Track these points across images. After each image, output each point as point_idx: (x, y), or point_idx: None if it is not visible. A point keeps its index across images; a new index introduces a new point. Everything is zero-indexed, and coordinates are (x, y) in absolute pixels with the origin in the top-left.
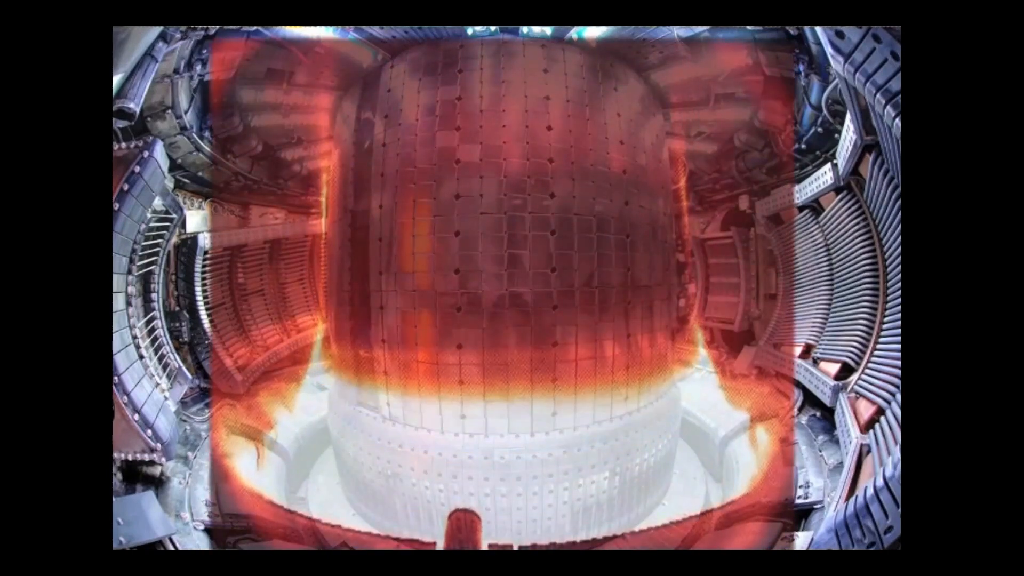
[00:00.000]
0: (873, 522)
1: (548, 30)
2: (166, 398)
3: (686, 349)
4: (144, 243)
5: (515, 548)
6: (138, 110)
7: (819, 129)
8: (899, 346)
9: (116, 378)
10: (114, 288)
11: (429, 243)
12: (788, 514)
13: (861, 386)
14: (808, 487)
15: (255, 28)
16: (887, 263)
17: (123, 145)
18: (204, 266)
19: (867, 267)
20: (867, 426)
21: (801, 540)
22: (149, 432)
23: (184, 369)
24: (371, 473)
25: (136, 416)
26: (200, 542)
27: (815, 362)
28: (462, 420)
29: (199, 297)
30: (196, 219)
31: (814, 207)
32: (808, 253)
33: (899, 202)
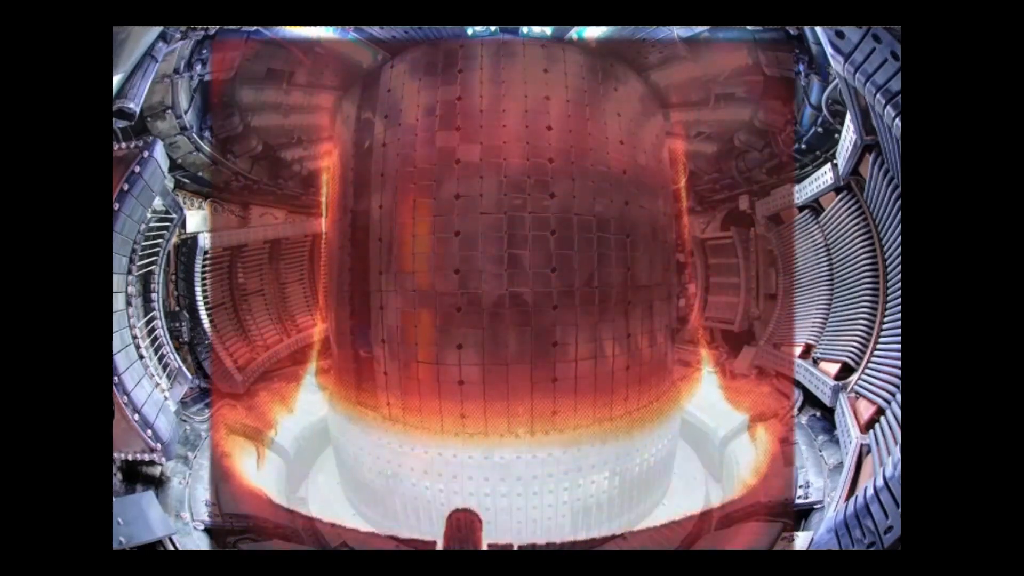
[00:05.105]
0: (873, 522)
1: (548, 30)
2: (166, 398)
3: (686, 349)
4: (144, 243)
5: (515, 548)
6: (138, 110)
7: (819, 129)
8: (899, 346)
9: (116, 378)
10: (114, 288)
11: (429, 243)
12: (788, 514)
13: (861, 386)
14: (808, 487)
15: (255, 28)
16: (887, 263)
17: (123, 145)
18: (204, 266)
19: (867, 267)
20: (867, 426)
21: (801, 540)
22: (149, 432)
23: (184, 369)
24: (371, 473)
25: (136, 416)
26: (200, 542)
27: (815, 362)
28: (462, 420)
29: (199, 297)
30: (196, 219)
31: (814, 207)
32: (808, 253)
33: (899, 202)
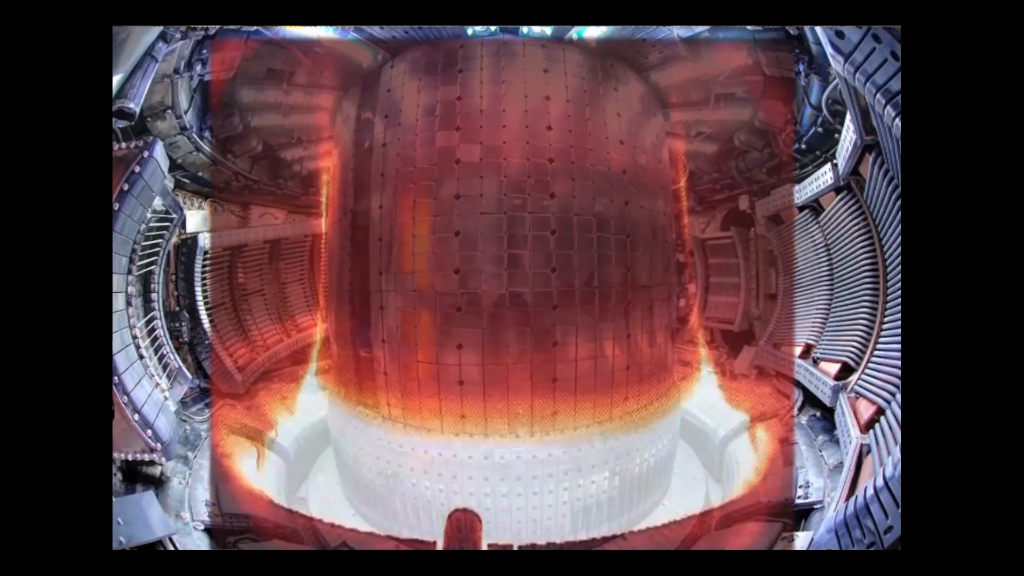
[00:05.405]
0: (873, 522)
1: (548, 30)
2: (166, 398)
3: (686, 349)
4: (144, 243)
5: (515, 548)
6: (138, 110)
7: (819, 129)
8: (899, 346)
9: (116, 378)
10: (114, 288)
11: (429, 243)
12: (788, 514)
13: (861, 386)
14: (808, 487)
15: (255, 28)
16: (887, 263)
17: (123, 145)
18: (204, 266)
19: (867, 267)
20: (867, 426)
21: (801, 540)
22: (149, 432)
23: (184, 369)
24: (371, 473)
25: (136, 416)
26: (200, 542)
27: (815, 362)
28: (462, 420)
29: (199, 297)
30: (196, 219)
31: (814, 207)
32: (808, 253)
33: (899, 202)
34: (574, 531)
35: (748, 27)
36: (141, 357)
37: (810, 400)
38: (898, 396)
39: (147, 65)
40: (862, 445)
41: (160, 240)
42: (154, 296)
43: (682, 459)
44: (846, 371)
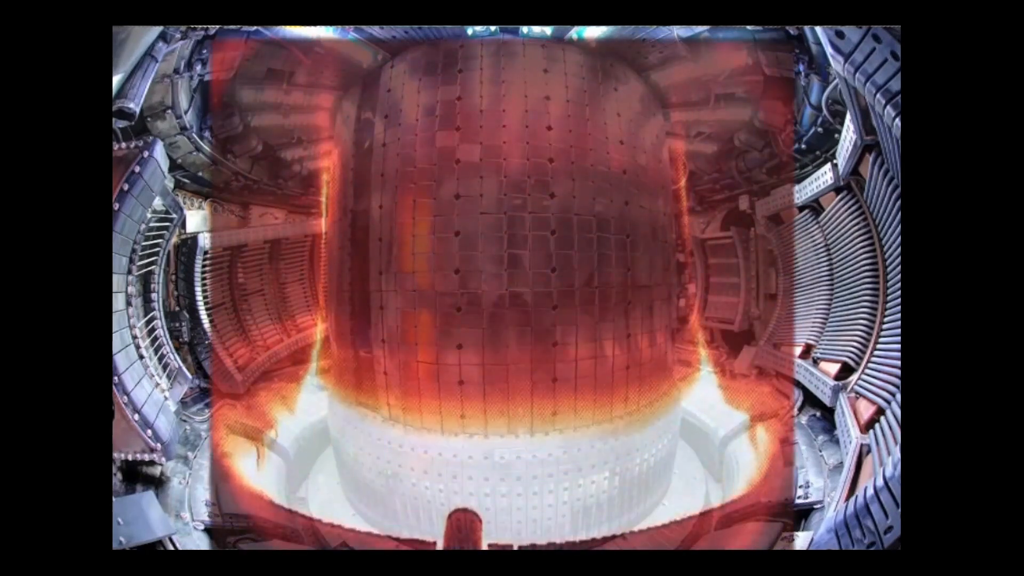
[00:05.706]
0: (873, 522)
1: (548, 30)
2: (166, 398)
3: (686, 349)
4: (144, 243)
5: (515, 548)
6: (138, 110)
7: (819, 129)
8: (899, 346)
9: (116, 378)
10: (114, 288)
11: (429, 243)
12: (788, 514)
13: (861, 386)
14: (808, 487)
15: (255, 28)
16: (887, 263)
17: (123, 145)
18: (204, 266)
19: (867, 267)
20: (867, 426)
21: (801, 540)
22: (149, 432)
23: (184, 369)
24: (371, 473)
25: (136, 416)
26: (200, 542)
27: (815, 362)
28: (462, 420)
29: (199, 297)
30: (196, 219)
31: (814, 207)
32: (808, 253)
33: (899, 202)
34: (574, 531)
35: (748, 27)
36: (141, 357)
37: (810, 400)
38: (898, 396)
39: (147, 65)
40: (862, 445)
41: (160, 240)
42: (154, 296)
43: (682, 459)
44: (846, 371)
